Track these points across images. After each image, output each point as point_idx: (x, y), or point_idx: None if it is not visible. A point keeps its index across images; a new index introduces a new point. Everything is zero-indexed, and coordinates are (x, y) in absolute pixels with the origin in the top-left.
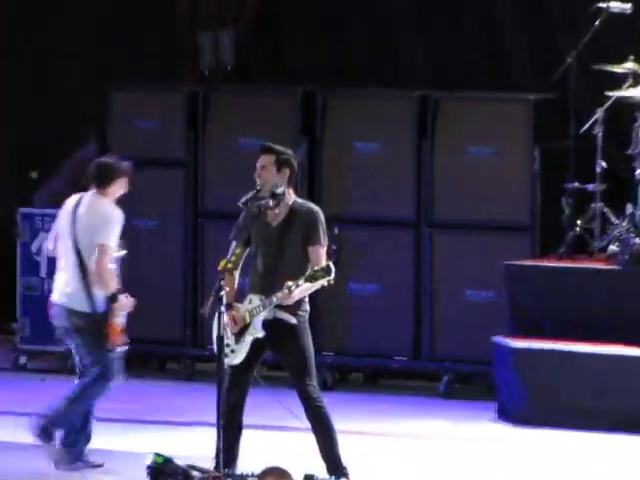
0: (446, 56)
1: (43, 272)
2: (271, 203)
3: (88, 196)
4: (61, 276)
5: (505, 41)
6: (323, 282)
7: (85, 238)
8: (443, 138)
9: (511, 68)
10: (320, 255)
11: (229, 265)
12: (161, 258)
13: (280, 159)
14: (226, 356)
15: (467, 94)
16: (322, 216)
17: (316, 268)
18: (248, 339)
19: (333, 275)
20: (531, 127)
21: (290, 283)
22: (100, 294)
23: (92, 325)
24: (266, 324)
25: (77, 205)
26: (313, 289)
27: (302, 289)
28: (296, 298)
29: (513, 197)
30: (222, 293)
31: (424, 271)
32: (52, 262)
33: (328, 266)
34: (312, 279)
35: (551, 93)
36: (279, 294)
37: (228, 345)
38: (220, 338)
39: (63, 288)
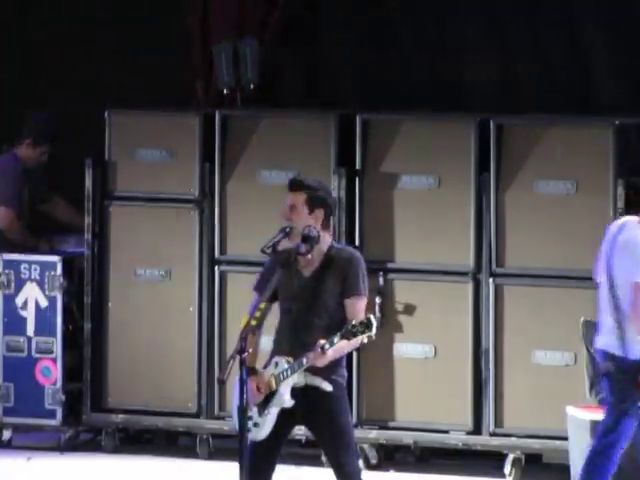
0: (512, 73)
1: (30, 330)
2: (303, 248)
3: (631, 220)
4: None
5: (584, 55)
6: (363, 339)
7: (620, 274)
8: (508, 171)
9: (590, 86)
10: (359, 308)
11: (253, 322)
12: (170, 314)
13: (313, 197)
14: (248, 431)
15: (536, 117)
16: (363, 263)
17: (354, 322)
18: (274, 410)
19: (375, 330)
20: (615, 157)
21: (323, 342)
22: (636, 339)
23: (622, 373)
24: (296, 392)
25: (619, 231)
26: (351, 348)
27: (337, 348)
28: (329, 359)
29: (594, 242)
30: (245, 355)
31: (485, 329)
32: (41, 318)
33: (368, 319)
34: (350, 335)
35: (638, 116)
36: (310, 355)
37: (250, 418)
38: (243, 410)
39: (601, 327)
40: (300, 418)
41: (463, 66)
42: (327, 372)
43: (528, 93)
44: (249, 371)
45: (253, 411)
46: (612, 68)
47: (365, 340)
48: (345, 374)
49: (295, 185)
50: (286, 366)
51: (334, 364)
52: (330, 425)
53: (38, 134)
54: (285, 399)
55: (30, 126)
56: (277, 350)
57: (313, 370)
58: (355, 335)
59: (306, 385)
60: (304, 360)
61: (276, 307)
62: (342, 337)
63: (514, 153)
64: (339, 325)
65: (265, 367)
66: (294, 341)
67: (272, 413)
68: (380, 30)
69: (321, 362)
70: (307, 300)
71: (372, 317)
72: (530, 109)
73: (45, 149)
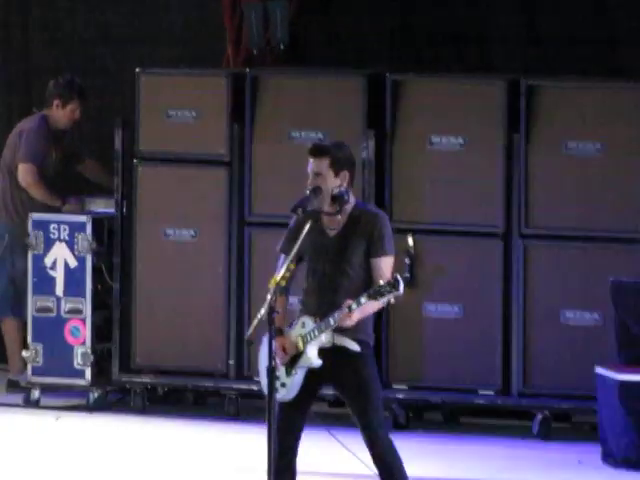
0: (542, 34)
1: (59, 290)
2: (331, 209)
3: None
4: None
5: (614, 15)
6: (390, 298)
7: None
8: (538, 132)
9: (620, 47)
10: (385, 267)
11: (282, 282)
12: (199, 274)
13: (336, 160)
14: (276, 391)
15: (566, 79)
16: (388, 222)
17: (381, 282)
18: (301, 371)
19: (402, 290)
20: None
21: (350, 302)
22: None
23: None
24: (323, 352)
25: None
26: (377, 308)
27: (364, 308)
28: (356, 319)
29: (623, 202)
30: (274, 315)
31: (515, 290)
32: (70, 279)
33: (395, 279)
34: (377, 295)
35: None
36: (337, 315)
37: (278, 378)
38: (271, 369)
39: None
40: (328, 378)
41: (492, 27)
42: (355, 332)
43: (558, 54)
44: (277, 332)
45: (280, 372)
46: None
47: (392, 300)
48: (373, 334)
49: (317, 151)
50: (313, 326)
51: (362, 324)
52: (358, 385)
53: (64, 92)
54: (312, 359)
55: (55, 87)
56: (304, 310)
57: (341, 330)
58: (382, 295)
59: (334, 345)
60: (331, 320)
61: (302, 268)
62: (369, 297)
63: (544, 114)
64: (365, 284)
65: (291, 327)
66: (321, 301)
67: (299, 373)
68: None
69: (348, 322)
70: (333, 260)
71: (399, 276)
72: (560, 70)
73: (75, 105)
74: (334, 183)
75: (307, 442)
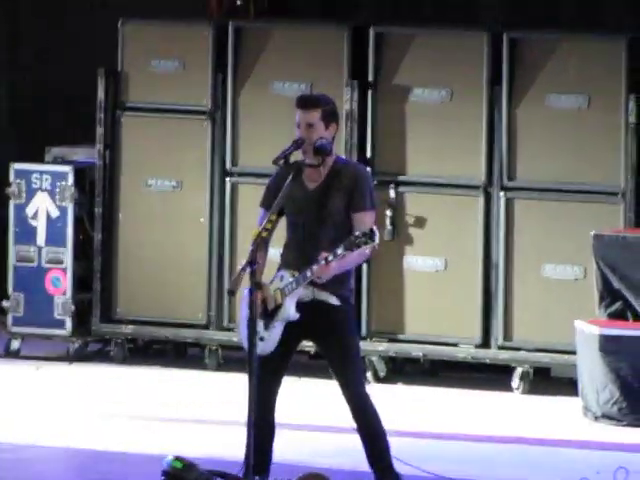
0: None
1: (41, 240)
2: (314, 160)
3: None
4: None
5: None
6: (367, 250)
7: None
8: (520, 85)
9: (601, 2)
10: (366, 221)
11: (264, 234)
12: (181, 225)
13: (327, 112)
14: (254, 346)
15: (548, 33)
16: (369, 176)
17: (357, 233)
18: (279, 324)
19: (377, 241)
20: (625, 72)
21: (326, 254)
22: None
23: None
24: (303, 307)
25: None
26: (355, 262)
27: (342, 262)
28: (334, 272)
29: (604, 156)
30: (255, 267)
31: (496, 243)
32: (51, 228)
33: (371, 230)
34: (352, 246)
35: None
36: (314, 267)
37: (257, 332)
38: (252, 321)
39: None
40: (307, 332)
41: None
42: (335, 286)
43: (540, 7)
44: (256, 285)
45: (259, 325)
46: None
47: (367, 251)
48: (353, 288)
49: (309, 103)
50: (291, 279)
51: (342, 279)
52: (336, 338)
53: None
54: (290, 312)
55: None
56: (284, 264)
57: (321, 285)
58: (358, 246)
59: (314, 299)
60: (308, 273)
61: (284, 221)
62: (345, 248)
63: (526, 67)
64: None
65: (272, 281)
66: (300, 255)
67: (277, 327)
68: None
69: (325, 274)
70: (313, 214)
71: (375, 228)
72: (542, 23)
73: None
74: (325, 135)
75: (287, 395)
